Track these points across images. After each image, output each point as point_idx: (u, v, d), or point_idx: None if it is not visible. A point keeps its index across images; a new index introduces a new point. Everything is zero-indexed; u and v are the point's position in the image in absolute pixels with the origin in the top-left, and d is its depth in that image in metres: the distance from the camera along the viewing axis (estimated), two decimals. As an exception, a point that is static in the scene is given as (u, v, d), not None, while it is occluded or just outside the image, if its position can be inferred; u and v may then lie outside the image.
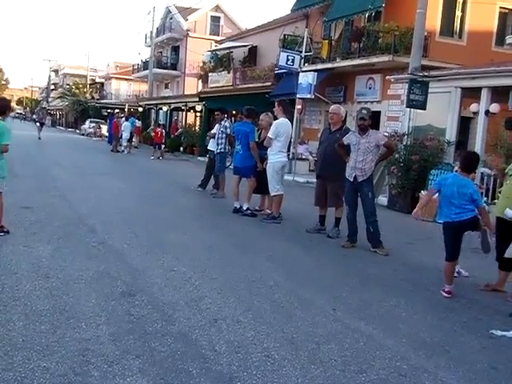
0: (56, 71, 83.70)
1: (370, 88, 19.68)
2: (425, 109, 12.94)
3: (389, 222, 9.87)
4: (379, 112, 18.47)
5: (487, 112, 12.09)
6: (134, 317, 4.04)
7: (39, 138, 30.57)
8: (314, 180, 9.21)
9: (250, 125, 9.41)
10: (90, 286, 4.70)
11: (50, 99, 78.76)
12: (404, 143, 12.75)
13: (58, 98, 67.03)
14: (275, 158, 8.83)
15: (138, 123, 30.94)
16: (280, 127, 8.83)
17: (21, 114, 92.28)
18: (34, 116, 76.60)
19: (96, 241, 6.40)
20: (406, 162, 12.09)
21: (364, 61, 18.36)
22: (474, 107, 13.18)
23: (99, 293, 4.52)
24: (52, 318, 3.89)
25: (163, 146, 24.51)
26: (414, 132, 13.29)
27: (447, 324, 4.59)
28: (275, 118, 9.17)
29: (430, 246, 7.91)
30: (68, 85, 66.50)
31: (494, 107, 11.99)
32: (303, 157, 19.96)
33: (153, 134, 24.98)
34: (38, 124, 34.46)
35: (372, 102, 19.17)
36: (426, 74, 13.21)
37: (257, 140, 9.30)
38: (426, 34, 15.00)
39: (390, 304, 4.97)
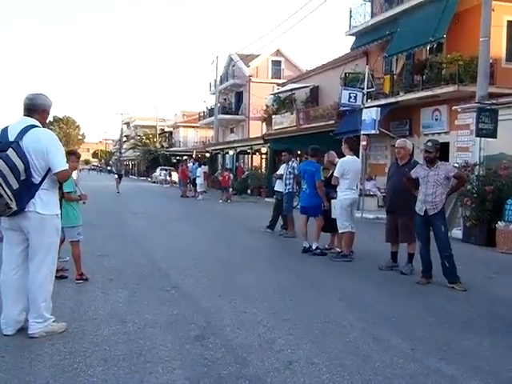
0: (128, 124, 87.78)
1: (436, 119, 19.34)
2: (495, 137, 12.53)
3: (465, 255, 9.48)
4: (448, 143, 18.06)
5: None
6: (208, 360, 4.06)
7: (118, 192, 27.89)
8: (384, 216, 9.04)
9: (315, 164, 9.44)
10: (165, 330, 4.77)
11: (122, 150, 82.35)
12: (476, 173, 12.34)
13: (130, 148, 70.13)
14: (343, 194, 8.78)
15: (205, 168, 31.72)
16: (345, 165, 8.80)
17: (97, 166, 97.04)
18: (111, 168, 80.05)
19: (169, 285, 6.53)
20: (479, 193, 11.65)
21: (428, 93, 18.14)
22: (549, 132, 12.63)
23: (174, 336, 4.58)
24: (130, 362, 3.97)
25: (231, 189, 24.96)
26: (485, 161, 12.86)
27: (536, 362, 4.30)
28: (343, 156, 9.14)
29: (510, 280, 7.51)
30: (139, 136, 69.51)
31: None
32: (371, 193, 19.68)
33: (220, 177, 25.58)
34: (116, 176, 31.11)
35: (439, 133, 18.80)
36: (494, 101, 12.85)
37: (323, 179, 9.30)
38: (491, 61, 14.68)
39: (471, 342, 4.73)
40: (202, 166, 28.20)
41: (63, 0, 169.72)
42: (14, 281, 4.48)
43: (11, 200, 4.21)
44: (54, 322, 4.56)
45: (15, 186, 4.21)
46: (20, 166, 4.22)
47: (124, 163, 69.71)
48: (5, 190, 4.17)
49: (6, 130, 4.40)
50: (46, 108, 4.59)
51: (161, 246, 9.89)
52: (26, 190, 4.29)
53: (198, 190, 26.30)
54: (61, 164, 4.44)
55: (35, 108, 4.49)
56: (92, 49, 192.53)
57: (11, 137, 4.30)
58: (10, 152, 4.20)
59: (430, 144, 7.23)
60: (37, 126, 4.42)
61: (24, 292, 4.49)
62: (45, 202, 4.40)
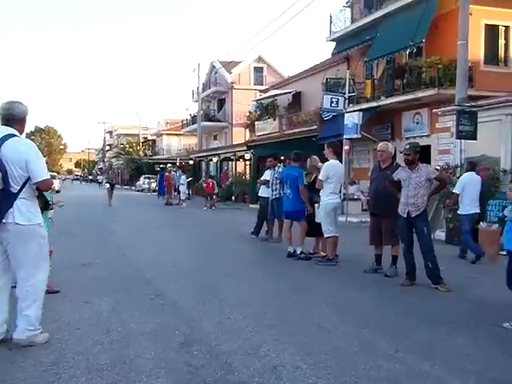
0: (110, 132, 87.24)
1: (417, 123, 19.51)
2: (475, 139, 12.67)
3: (448, 256, 9.57)
4: (429, 146, 18.21)
5: (542, 137, 11.71)
6: (192, 367, 4.03)
7: (110, 205, 24.50)
8: (368, 220, 9.07)
9: (297, 169, 9.45)
10: (149, 338, 4.73)
11: (105, 159, 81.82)
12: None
13: (114, 157, 69.68)
14: (327, 199, 8.80)
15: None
16: (330, 168, 8.83)
17: (80, 176, 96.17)
18: (93, 177, 78.83)
19: (154, 293, 6.48)
20: (461, 195, 11.75)
21: (409, 96, 18.30)
22: (527, 133, 12.80)
23: (158, 344, 4.55)
24: (113, 372, 3.93)
25: (215, 196, 24.91)
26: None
27: (519, 360, 4.35)
28: (326, 160, 9.17)
29: (493, 280, 7.57)
30: (122, 144, 69.07)
31: (549, 132, 11.61)
32: (355, 197, 19.78)
33: (204, 185, 25.51)
34: (107, 186, 26.80)
35: (421, 136, 18.96)
36: (473, 104, 13.00)
37: (305, 183, 9.32)
38: (470, 64, 14.84)
39: (455, 342, 4.76)
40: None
41: (42, 8, 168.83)
42: None
43: None
44: (39, 332, 4.52)
45: None
46: None
47: (116, 171, 66.64)
48: None
49: None
50: (25, 116, 4.54)
51: (145, 254, 9.83)
52: (4, 200, 4.23)
53: (182, 197, 26.25)
54: (42, 173, 4.39)
55: (14, 117, 4.44)
56: (73, 57, 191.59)
57: None
58: None
59: (407, 147, 7.36)
60: (15, 136, 4.37)
61: (5, 303, 4.43)
62: (23, 212, 4.33)
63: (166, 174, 29.29)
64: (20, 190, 4.32)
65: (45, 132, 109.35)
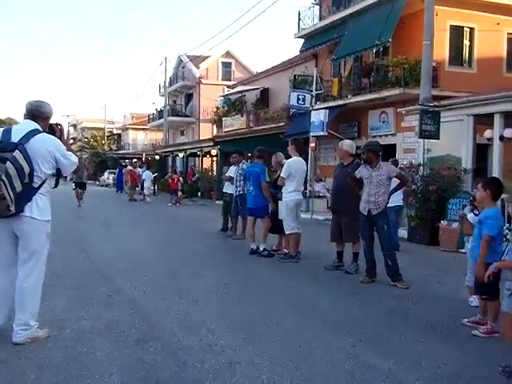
0: (74, 126, 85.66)
1: (383, 122, 19.72)
2: (438, 138, 12.89)
3: (409, 254, 9.72)
4: (394, 145, 18.45)
5: (502, 137, 12.00)
6: (147, 364, 3.97)
7: (79, 205, 20.77)
8: (331, 216, 9.11)
9: (260, 165, 9.43)
10: (104, 335, 4.65)
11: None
12: (420, 174, 12.66)
13: (78, 151, 68.13)
14: (289, 196, 8.79)
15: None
16: (292, 166, 8.81)
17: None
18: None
19: (112, 290, 6.38)
20: (423, 193, 11.96)
21: (375, 95, 18.47)
22: (487, 133, 13.13)
23: (113, 341, 4.47)
24: (65, 369, 3.84)
25: (180, 193, 24.72)
26: (431, 162, 13.21)
27: (470, 356, 4.41)
28: (289, 157, 9.15)
29: (451, 277, 7.72)
30: (86, 138, 67.86)
31: (508, 132, 11.90)
32: (320, 194, 19.87)
33: (170, 180, 25.28)
34: (73, 185, 21.97)
35: (387, 135, 19.19)
36: (436, 103, 13.21)
37: (268, 180, 9.30)
38: (434, 64, 15.06)
39: (410, 338, 4.81)
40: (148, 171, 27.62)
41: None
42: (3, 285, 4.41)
43: (12, 203, 4.12)
44: (37, 327, 4.48)
45: (19, 188, 4.13)
46: (26, 169, 4.16)
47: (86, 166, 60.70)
48: (9, 193, 4.08)
49: (9, 130, 4.34)
50: (50, 116, 4.61)
51: (106, 250, 9.68)
52: (26, 194, 4.22)
53: (146, 193, 26.03)
54: (74, 161, 4.55)
55: (40, 115, 4.48)
56: (35, 46, 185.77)
57: (14, 138, 4.23)
58: (17, 154, 4.12)
59: (362, 146, 7.50)
60: (41, 132, 4.38)
61: (10, 298, 4.44)
62: (40, 208, 4.34)
63: (131, 168, 28.93)
64: (40, 186, 4.33)
65: (5, 124, 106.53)
